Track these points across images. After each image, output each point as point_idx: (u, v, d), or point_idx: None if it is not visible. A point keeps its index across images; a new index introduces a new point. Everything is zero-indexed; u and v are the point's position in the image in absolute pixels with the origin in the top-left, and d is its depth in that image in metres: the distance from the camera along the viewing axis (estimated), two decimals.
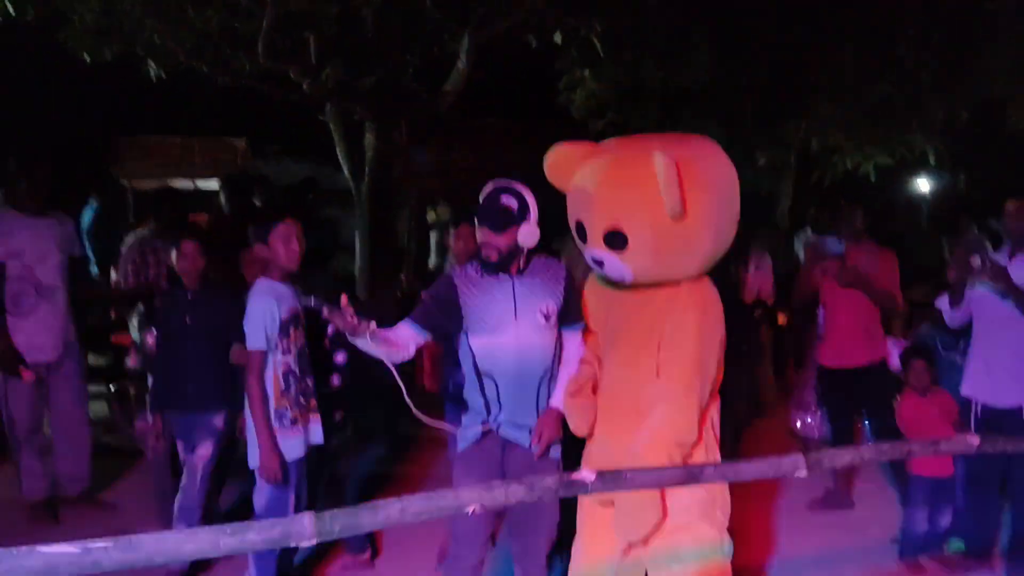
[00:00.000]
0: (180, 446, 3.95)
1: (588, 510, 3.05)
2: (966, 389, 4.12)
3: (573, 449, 3.07)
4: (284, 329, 3.36)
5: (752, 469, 2.13)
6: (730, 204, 3.05)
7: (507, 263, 2.97)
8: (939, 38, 8.49)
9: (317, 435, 3.52)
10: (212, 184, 9.13)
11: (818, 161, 10.42)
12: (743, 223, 3.16)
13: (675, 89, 9.58)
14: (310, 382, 3.51)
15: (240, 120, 8.94)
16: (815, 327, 4.99)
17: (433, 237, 8.73)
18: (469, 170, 8.24)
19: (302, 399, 3.45)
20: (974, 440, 1.89)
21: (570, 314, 3.06)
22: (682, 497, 2.90)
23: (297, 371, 3.43)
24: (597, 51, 7.80)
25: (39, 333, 4.42)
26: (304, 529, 1.36)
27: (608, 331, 3.08)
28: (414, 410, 2.94)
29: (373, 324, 2.76)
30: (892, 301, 4.69)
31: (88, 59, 6.16)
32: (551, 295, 3.01)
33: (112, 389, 5.53)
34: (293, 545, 1.37)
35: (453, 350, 3.21)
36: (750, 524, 4.31)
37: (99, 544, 1.16)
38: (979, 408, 4.07)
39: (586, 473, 1.55)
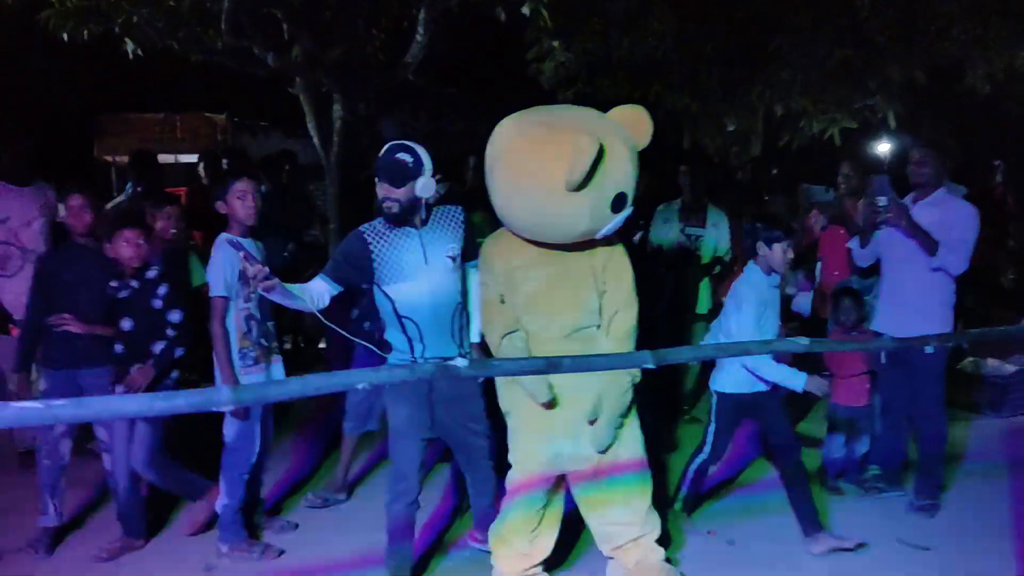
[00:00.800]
0: None
1: (526, 441, 3.46)
2: (876, 324, 4.54)
3: None
4: (244, 279, 3.76)
5: (602, 362, 2.56)
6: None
7: (409, 215, 3.36)
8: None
9: (279, 373, 3.93)
10: (193, 158, 9.49)
11: (784, 126, 10.74)
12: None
13: (642, 59, 9.86)
14: (271, 325, 3.93)
15: (220, 96, 9.30)
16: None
17: None
18: (432, 138, 8.62)
19: (263, 341, 3.86)
20: (804, 340, 2.29)
21: (470, 253, 3.51)
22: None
23: (258, 316, 3.84)
24: (565, 22, 8.13)
25: (25, 292, 4.83)
26: (223, 397, 1.77)
27: (540, 279, 3.45)
28: (335, 328, 3.33)
29: (276, 281, 3.10)
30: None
31: (66, 39, 6.50)
32: (454, 239, 3.44)
33: None
34: (213, 410, 1.78)
35: (365, 300, 3.65)
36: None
37: (59, 402, 1.56)
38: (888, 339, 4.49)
39: (459, 360, 1.95)
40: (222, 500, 3.86)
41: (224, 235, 3.77)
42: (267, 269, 3.08)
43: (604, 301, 3.36)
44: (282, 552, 3.93)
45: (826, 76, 9.60)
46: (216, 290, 3.72)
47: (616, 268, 3.39)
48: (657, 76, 10.22)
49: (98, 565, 3.84)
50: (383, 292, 3.41)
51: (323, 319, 3.28)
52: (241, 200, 3.81)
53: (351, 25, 6.39)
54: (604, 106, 3.40)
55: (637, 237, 5.81)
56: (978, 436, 5.38)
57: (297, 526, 4.22)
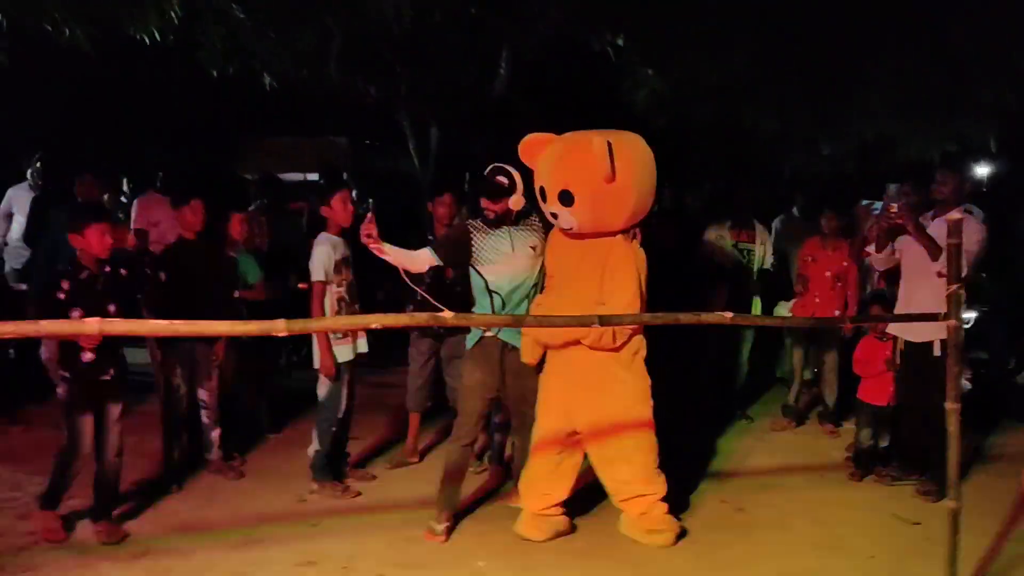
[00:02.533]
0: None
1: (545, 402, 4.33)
2: (891, 328, 5.11)
3: None
4: (338, 268, 4.81)
5: (559, 321, 3.40)
6: (648, 177, 4.28)
7: (502, 221, 4.32)
8: (987, 23, 9.04)
9: (363, 346, 4.95)
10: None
11: (881, 149, 11.06)
12: None
13: (731, 84, 10.49)
14: (357, 307, 4.94)
15: (342, 121, 10.64)
16: None
17: None
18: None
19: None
20: (728, 314, 3.01)
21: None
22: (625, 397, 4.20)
23: (348, 298, 4.87)
24: (656, 51, 8.95)
25: None
26: (279, 326, 2.69)
27: (563, 269, 4.34)
28: (422, 293, 4.28)
29: (385, 245, 4.20)
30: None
31: (215, 74, 7.90)
32: (536, 235, 4.40)
33: None
34: (271, 335, 2.72)
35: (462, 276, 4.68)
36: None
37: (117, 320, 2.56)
38: (902, 343, 5.06)
39: (446, 313, 2.83)
40: (314, 446, 4.90)
41: (324, 234, 4.84)
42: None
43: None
44: (359, 493, 4.92)
45: (916, 101, 9.92)
46: (317, 276, 4.77)
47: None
48: (748, 101, 10.79)
49: (220, 494, 4.92)
50: (477, 271, 4.38)
51: (408, 280, 4.25)
52: (343, 205, 4.88)
53: (448, 60, 7.47)
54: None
55: None
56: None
57: (375, 477, 5.21)
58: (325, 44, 7.21)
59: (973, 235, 4.80)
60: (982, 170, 12.37)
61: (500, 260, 4.34)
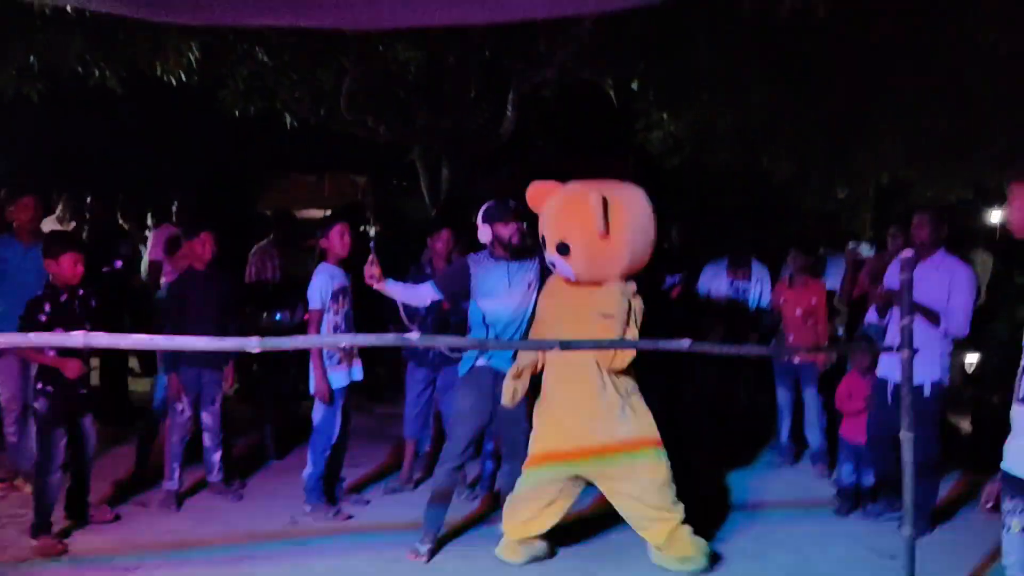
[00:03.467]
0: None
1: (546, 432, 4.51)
2: (880, 370, 5.24)
3: None
4: (335, 297, 5.08)
5: (521, 344, 3.63)
6: (644, 231, 4.48)
7: (507, 249, 4.60)
8: (1002, 69, 9.20)
9: (357, 374, 5.20)
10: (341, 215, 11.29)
11: (897, 193, 11.21)
12: None
13: (747, 127, 10.73)
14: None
15: (362, 159, 11.07)
16: None
17: None
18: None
19: (346, 347, 5.15)
20: (686, 343, 3.22)
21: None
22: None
23: (344, 327, 5.13)
24: (671, 94, 9.25)
25: None
26: (251, 343, 2.93)
27: (559, 313, 4.52)
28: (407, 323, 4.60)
29: (387, 281, 4.55)
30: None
31: (237, 114, 8.33)
32: (532, 272, 4.65)
33: None
34: (245, 351, 2.98)
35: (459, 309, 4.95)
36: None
37: (98, 334, 2.82)
38: (892, 386, 5.18)
39: (413, 334, 3.08)
40: (308, 469, 5.13)
41: (323, 264, 5.13)
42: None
43: None
44: (350, 517, 5.14)
45: (931, 146, 10.08)
46: (314, 304, 5.05)
47: None
48: (763, 144, 11.02)
49: (216, 514, 5.17)
50: (476, 304, 4.64)
51: (404, 314, 4.60)
52: (341, 238, 5.17)
53: (462, 99, 7.82)
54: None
55: (669, 285, 6.64)
56: None
57: (368, 502, 5.43)
58: (342, 84, 7.60)
59: (967, 284, 4.93)
60: (996, 216, 12.43)
61: (498, 293, 4.59)
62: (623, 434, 4.37)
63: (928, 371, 4.87)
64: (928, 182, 10.60)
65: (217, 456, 5.48)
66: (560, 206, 4.46)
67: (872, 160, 10.79)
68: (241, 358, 6.64)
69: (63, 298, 4.57)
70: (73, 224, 7.43)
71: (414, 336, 3.04)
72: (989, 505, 2.95)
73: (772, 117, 10.56)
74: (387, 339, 3.12)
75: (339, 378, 5.10)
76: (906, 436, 3.50)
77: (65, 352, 4.50)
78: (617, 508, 4.47)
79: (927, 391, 4.91)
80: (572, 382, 4.41)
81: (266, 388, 6.66)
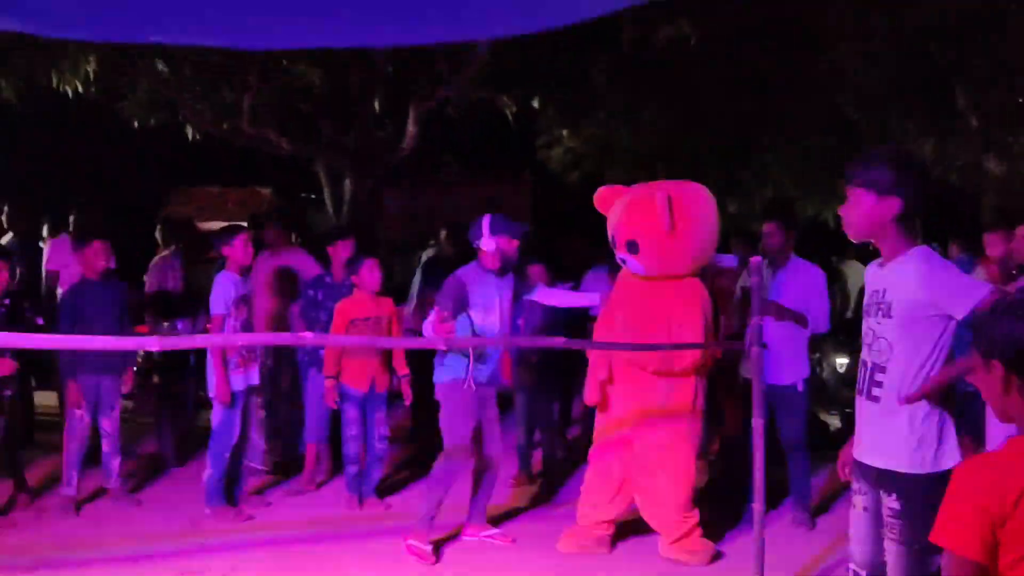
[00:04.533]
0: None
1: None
2: (745, 371, 5.68)
3: None
4: (236, 304, 5.30)
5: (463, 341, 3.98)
6: (709, 226, 4.82)
7: (498, 262, 4.85)
8: (871, 93, 10.04)
9: (254, 377, 5.42)
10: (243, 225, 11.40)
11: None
12: None
13: (642, 145, 11.35)
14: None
15: (266, 171, 11.24)
16: None
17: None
18: (434, 211, 10.26)
19: (244, 351, 5.36)
20: (560, 339, 3.60)
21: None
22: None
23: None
24: (571, 113, 9.76)
25: None
26: (151, 342, 3.19)
27: (631, 309, 4.83)
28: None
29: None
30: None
31: (138, 125, 8.43)
32: (510, 288, 4.95)
33: None
34: (145, 349, 3.22)
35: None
36: None
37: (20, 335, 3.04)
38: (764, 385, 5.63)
39: (306, 334, 3.35)
40: (207, 471, 5.31)
41: (225, 271, 5.34)
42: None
43: None
44: (252, 517, 5.34)
45: (811, 166, 10.86)
46: (216, 309, 5.25)
47: None
48: (660, 160, 11.65)
49: (115, 517, 5.29)
50: (468, 316, 4.86)
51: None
52: (244, 247, 5.39)
53: (365, 115, 8.12)
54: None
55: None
56: None
57: (270, 504, 5.63)
58: (244, 99, 7.81)
59: (823, 286, 5.37)
60: None
61: (489, 306, 4.87)
62: (664, 443, 4.72)
63: (800, 370, 5.31)
64: (809, 198, 11.40)
65: (116, 462, 5.59)
66: (627, 207, 4.75)
67: (758, 178, 11.52)
68: (140, 367, 6.73)
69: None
70: None
71: (308, 336, 3.31)
72: (847, 470, 3.06)
73: (665, 136, 11.22)
74: (283, 337, 3.38)
75: (238, 381, 5.31)
76: (758, 423, 3.94)
77: None
78: (639, 504, 4.82)
79: (800, 387, 5.32)
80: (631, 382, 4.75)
81: (165, 396, 6.76)
